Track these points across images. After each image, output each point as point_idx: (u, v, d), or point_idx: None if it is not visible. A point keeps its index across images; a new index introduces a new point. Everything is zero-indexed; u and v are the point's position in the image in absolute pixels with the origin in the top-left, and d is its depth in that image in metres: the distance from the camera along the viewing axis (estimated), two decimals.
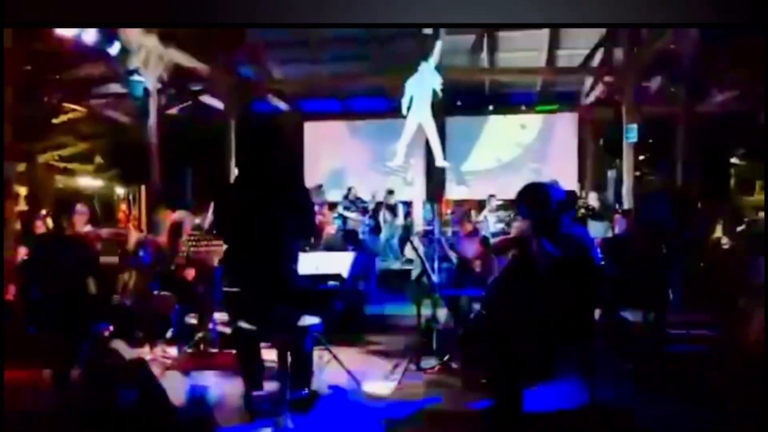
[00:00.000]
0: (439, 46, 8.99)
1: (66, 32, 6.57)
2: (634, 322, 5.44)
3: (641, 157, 11.17)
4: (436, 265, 5.36)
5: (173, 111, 10.50)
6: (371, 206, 10.22)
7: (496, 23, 8.29)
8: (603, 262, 5.59)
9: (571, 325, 3.27)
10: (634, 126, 9.03)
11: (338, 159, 12.84)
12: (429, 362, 4.64)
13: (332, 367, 4.39)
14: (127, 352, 4.08)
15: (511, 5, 3.09)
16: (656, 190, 10.92)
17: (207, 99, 10.89)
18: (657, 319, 5.34)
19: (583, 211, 8.61)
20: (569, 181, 10.98)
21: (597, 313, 4.80)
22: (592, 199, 9.28)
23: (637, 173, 9.99)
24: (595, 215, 8.67)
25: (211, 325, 5.12)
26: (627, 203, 9.04)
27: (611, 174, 11.35)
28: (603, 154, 12.23)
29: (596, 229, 7.59)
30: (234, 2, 3.00)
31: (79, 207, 4.63)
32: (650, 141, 11.14)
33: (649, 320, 5.39)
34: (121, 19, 3.09)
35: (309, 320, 3.68)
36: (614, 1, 3.08)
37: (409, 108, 9.30)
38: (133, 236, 5.35)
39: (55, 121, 10.07)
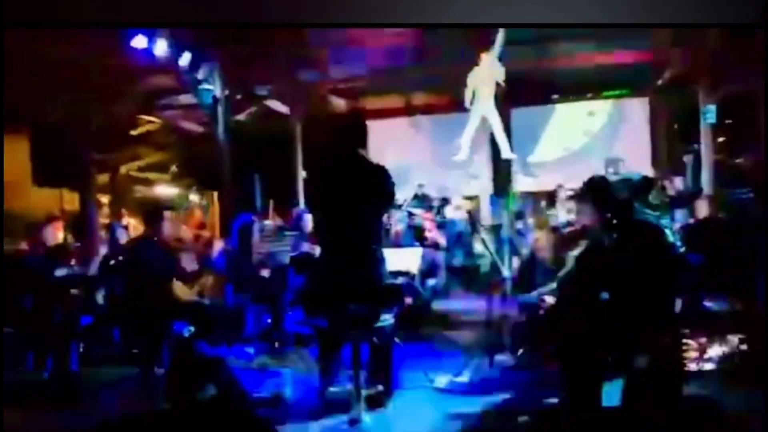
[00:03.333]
0: (500, 36, 8.84)
1: (138, 44, 6.88)
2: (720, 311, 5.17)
3: (720, 139, 10.60)
4: (506, 258, 5.28)
5: (241, 117, 10.81)
6: (437, 203, 10.17)
7: (499, 23, 7.99)
8: (683, 250, 5.35)
9: (648, 315, 3.15)
10: (713, 107, 8.59)
11: (403, 156, 12.85)
12: (501, 357, 4.58)
13: (405, 364, 4.41)
14: (208, 351, 4.24)
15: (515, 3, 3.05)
16: (737, 173, 10.32)
17: (272, 103, 11.15)
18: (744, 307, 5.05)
19: (661, 198, 8.25)
20: (643, 167, 10.55)
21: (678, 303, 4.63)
22: (676, 184, 8.86)
23: (718, 156, 9.51)
24: (675, 201, 8.29)
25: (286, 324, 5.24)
26: (707, 188, 8.61)
27: (687, 159, 10.83)
28: (679, 138, 11.70)
29: (678, 215, 7.25)
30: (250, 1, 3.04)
31: (164, 213, 4.85)
32: (728, 122, 10.56)
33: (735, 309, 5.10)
34: (124, 19, 3.16)
35: (385, 317, 3.71)
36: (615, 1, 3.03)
37: (472, 101, 9.20)
38: (209, 240, 5.55)
39: (132, 132, 10.58)
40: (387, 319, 3.71)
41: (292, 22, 3.29)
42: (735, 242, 5.27)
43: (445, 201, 10.14)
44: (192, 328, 4.78)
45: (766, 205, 7.09)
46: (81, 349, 4.84)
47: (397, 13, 3.03)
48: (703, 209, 5.97)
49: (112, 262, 5.22)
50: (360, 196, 3.58)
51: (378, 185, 3.64)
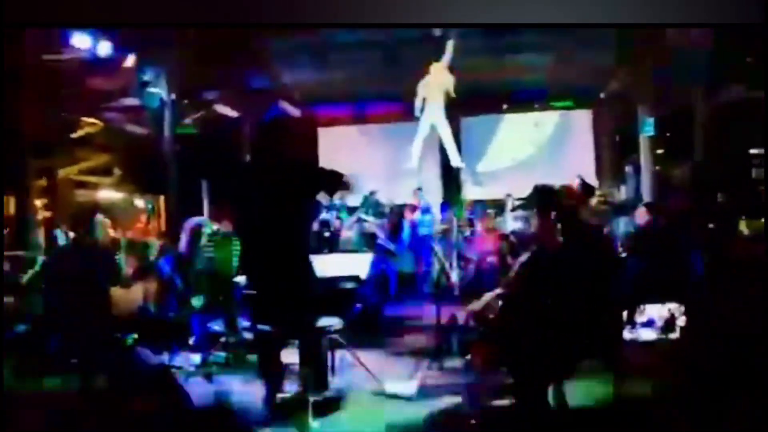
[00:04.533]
0: (450, 46, 8.97)
1: (81, 44, 6.67)
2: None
3: (659, 151, 11.06)
4: (454, 264, 5.35)
5: (188, 121, 10.60)
6: (387, 209, 10.20)
7: (498, 24, 8.22)
8: (626, 256, 5.55)
9: (592, 319, 3.24)
10: (651, 119, 8.96)
11: (353, 164, 12.85)
12: (450, 362, 4.61)
13: (353, 368, 4.39)
14: (151, 358, 4.12)
15: (510, 5, 3.10)
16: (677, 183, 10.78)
17: (221, 108, 10.98)
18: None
19: (603, 206, 8.54)
20: (587, 177, 10.88)
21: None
22: (615, 193, 9.20)
23: (657, 167, 9.90)
24: (617, 209, 8.59)
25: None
26: (646, 197, 8.95)
27: (629, 168, 11.25)
28: (620, 149, 12.14)
29: (619, 224, 7.52)
30: (236, 4, 3.01)
31: (100, 217, 4.68)
32: (667, 134, 11.03)
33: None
34: (118, 19, 3.10)
35: (325, 321, 3.69)
36: (612, 1, 3.10)
37: (422, 110, 9.30)
38: (154, 244, 5.40)
39: (73, 135, 10.21)
40: (333, 324, 3.69)
41: (266, 22, 3.24)
42: (672, 247, 5.50)
43: (398, 207, 10.19)
44: (135, 335, 4.64)
45: (767, 204, 7.45)
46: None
47: (376, 14, 3.04)
48: (643, 216, 6.19)
49: (49, 268, 5.01)
50: (277, 196, 3.52)
51: (303, 179, 3.60)
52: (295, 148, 3.81)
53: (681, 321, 5.18)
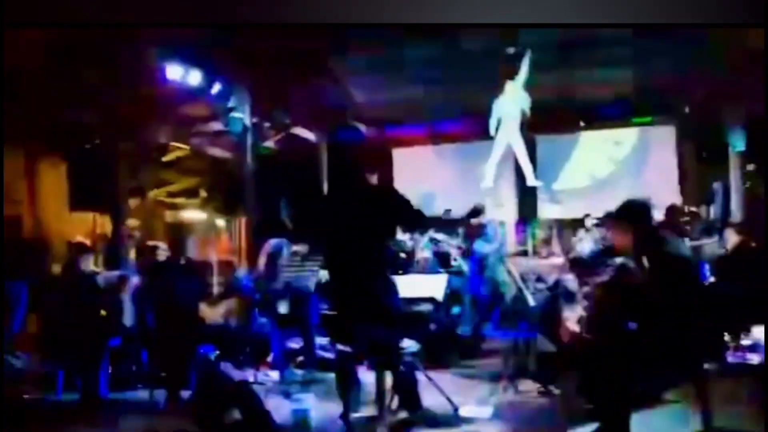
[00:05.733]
0: (526, 64, 8.91)
1: (172, 74, 7.10)
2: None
3: (750, 167, 10.46)
4: (531, 286, 5.25)
5: (269, 144, 11.00)
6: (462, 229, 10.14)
7: (505, 23, 7.99)
8: (714, 280, 5.29)
9: (678, 346, 3.11)
10: (741, 134, 8.51)
11: (428, 184, 12.90)
12: (527, 386, 4.53)
13: (429, 391, 4.38)
14: (234, 374, 4.28)
15: (520, 7, 3.10)
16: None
17: (299, 130, 11.33)
18: None
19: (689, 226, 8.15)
20: (671, 196, 10.44)
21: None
22: (702, 213, 8.76)
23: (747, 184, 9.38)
24: (704, 229, 8.17)
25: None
26: (737, 216, 8.48)
27: (717, 186, 10.70)
28: (706, 166, 11.58)
29: (708, 245, 7.15)
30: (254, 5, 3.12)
31: (192, 237, 4.94)
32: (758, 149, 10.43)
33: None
34: (124, 19, 3.23)
35: (408, 343, 3.72)
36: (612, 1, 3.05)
37: (497, 129, 9.25)
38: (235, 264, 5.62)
39: (163, 159, 10.82)
40: (410, 345, 3.72)
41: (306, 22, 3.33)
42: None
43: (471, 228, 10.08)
44: (218, 351, 4.84)
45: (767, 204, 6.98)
46: (109, 372, 4.92)
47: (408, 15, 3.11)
48: (732, 238, 5.87)
49: (142, 284, 5.32)
50: (363, 220, 3.58)
51: (384, 207, 3.64)
52: (374, 170, 3.86)
53: None
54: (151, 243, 5.55)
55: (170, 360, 4.56)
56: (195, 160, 11.48)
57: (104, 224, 8.94)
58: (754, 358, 5.03)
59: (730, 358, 5.03)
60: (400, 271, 6.00)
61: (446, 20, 3.27)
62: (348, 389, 3.80)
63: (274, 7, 3.12)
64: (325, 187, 10.41)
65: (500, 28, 8.77)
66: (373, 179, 3.77)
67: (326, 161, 10.67)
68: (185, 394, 4.47)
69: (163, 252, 5.20)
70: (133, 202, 9.74)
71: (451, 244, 7.26)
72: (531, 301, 4.89)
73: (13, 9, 3.05)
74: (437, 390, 4.30)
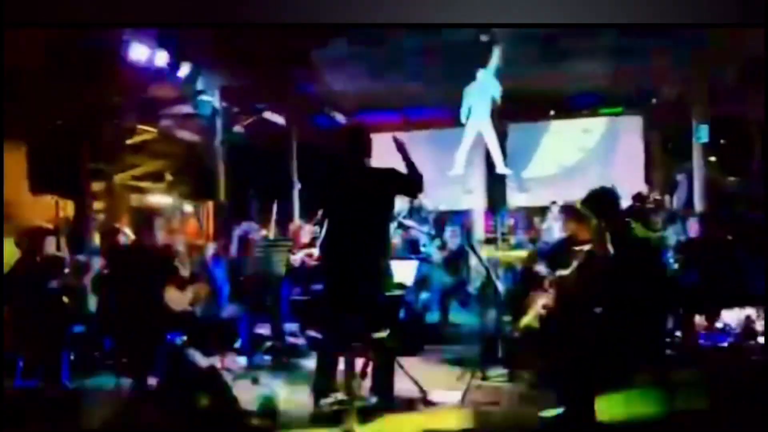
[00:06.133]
0: (497, 52, 8.92)
1: (138, 56, 6.92)
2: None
3: (712, 159, 10.70)
4: (500, 272, 5.30)
5: (238, 128, 10.84)
6: (432, 216, 10.17)
7: (498, 23, 8.03)
8: (678, 266, 5.42)
9: (642, 329, 3.18)
10: (705, 126, 8.69)
11: (399, 170, 12.86)
12: (495, 371, 4.58)
13: (398, 376, 4.39)
14: (201, 360, 4.23)
15: (516, 5, 3.11)
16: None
17: (269, 115, 11.18)
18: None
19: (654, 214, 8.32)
20: (636, 185, 10.64)
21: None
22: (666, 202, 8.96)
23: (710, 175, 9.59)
24: (667, 218, 8.36)
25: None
26: (699, 206, 8.68)
27: (681, 177, 10.93)
28: (671, 157, 11.81)
29: (672, 233, 7.31)
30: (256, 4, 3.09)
31: (158, 220, 4.84)
32: (722, 141, 10.67)
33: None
34: (122, 18, 3.19)
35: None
36: (613, 2, 3.08)
37: (468, 116, 9.26)
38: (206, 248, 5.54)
39: (128, 142, 10.57)
40: (383, 331, 3.72)
41: (292, 22, 3.31)
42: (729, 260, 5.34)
43: (440, 215, 10.15)
44: (185, 337, 4.76)
45: (767, 207, 7.18)
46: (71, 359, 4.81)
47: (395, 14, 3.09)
48: (695, 227, 6.01)
49: (106, 270, 5.20)
50: (369, 205, 3.60)
51: (389, 188, 3.77)
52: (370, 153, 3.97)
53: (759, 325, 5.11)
54: (114, 226, 5.43)
55: (135, 347, 4.48)
56: (163, 144, 11.25)
57: (67, 208, 8.73)
58: (724, 342, 5.20)
59: (702, 341, 5.21)
60: None
61: (432, 20, 3.26)
62: (322, 376, 3.78)
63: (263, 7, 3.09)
64: (295, 173, 10.31)
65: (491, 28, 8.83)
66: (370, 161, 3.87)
67: (296, 147, 10.56)
68: (152, 380, 4.40)
69: (126, 236, 5.10)
70: (96, 186, 9.53)
71: (421, 230, 7.26)
72: (500, 287, 4.94)
73: (13, 9, 3.06)
74: (406, 375, 4.32)
